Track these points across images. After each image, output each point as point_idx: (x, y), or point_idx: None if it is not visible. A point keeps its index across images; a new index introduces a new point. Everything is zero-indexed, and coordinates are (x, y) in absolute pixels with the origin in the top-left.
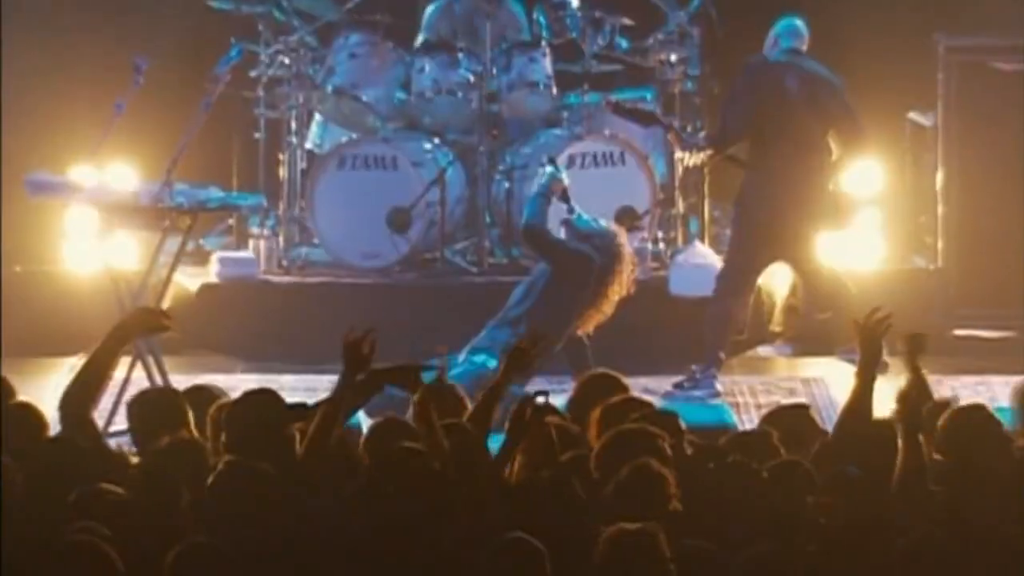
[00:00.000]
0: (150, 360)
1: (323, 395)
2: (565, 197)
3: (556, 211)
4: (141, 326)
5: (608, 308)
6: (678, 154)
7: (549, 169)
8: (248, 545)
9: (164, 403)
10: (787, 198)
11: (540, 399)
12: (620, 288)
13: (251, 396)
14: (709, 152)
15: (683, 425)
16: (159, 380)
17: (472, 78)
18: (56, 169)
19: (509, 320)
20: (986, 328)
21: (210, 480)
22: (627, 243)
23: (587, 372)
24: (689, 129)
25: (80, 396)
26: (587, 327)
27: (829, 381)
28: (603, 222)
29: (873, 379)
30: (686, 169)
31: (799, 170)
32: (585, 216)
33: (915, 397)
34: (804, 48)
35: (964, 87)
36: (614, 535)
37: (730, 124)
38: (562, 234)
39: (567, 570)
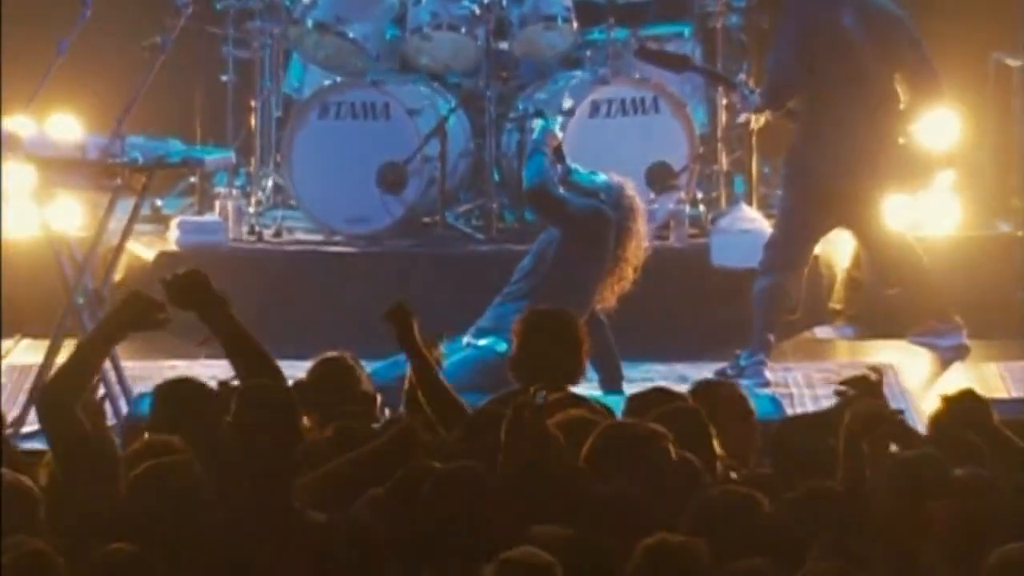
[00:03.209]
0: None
1: None
2: (559, 154)
3: None
4: (137, 319)
5: (629, 273)
6: (743, 117)
7: (540, 122)
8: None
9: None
10: (848, 153)
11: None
12: (639, 248)
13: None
14: (767, 113)
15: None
16: (109, 368)
17: (478, 11)
18: None
19: (516, 296)
20: None
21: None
22: (637, 195)
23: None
24: (743, 77)
25: (64, 395)
26: (608, 301)
27: (899, 368)
28: (603, 175)
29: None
30: (731, 120)
31: (862, 121)
32: (582, 171)
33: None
34: None
35: None
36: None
37: (781, 76)
38: (564, 193)
39: None
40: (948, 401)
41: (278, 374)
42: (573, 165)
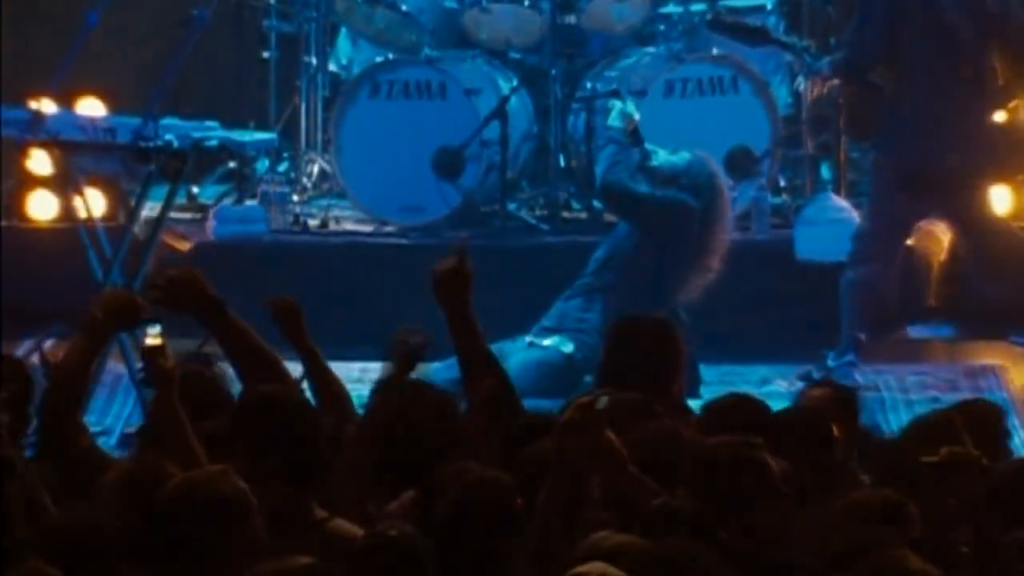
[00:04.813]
0: (128, 344)
1: (351, 388)
2: (636, 137)
3: None
4: (116, 320)
5: (714, 264)
6: (799, 83)
7: (617, 106)
8: None
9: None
10: (940, 134)
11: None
12: (723, 234)
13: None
14: (834, 82)
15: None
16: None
17: None
18: (11, 99)
19: (587, 291)
20: None
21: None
22: (720, 172)
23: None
24: (808, 44)
25: (59, 404)
26: (691, 294)
27: (1002, 371)
28: (684, 154)
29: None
30: (815, 100)
31: (955, 98)
32: (661, 152)
33: None
34: None
35: None
36: None
37: (859, 45)
38: (641, 186)
39: None
40: None
41: (286, 376)
42: (651, 147)
